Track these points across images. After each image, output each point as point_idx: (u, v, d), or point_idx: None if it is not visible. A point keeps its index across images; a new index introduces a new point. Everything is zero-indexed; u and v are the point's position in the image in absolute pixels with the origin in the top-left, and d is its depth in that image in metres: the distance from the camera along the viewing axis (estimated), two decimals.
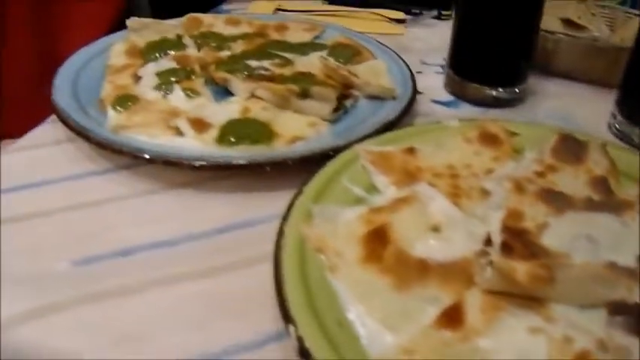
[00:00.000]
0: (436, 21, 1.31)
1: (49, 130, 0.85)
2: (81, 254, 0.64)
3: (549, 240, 0.65)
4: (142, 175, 0.76)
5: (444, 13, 1.31)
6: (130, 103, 0.86)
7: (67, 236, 0.67)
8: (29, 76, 1.24)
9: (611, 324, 0.59)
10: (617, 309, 0.60)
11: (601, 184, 0.75)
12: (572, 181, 0.75)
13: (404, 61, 0.96)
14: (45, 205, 0.71)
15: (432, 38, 1.20)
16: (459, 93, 0.99)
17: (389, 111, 0.85)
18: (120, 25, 1.07)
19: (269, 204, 0.67)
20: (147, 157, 0.75)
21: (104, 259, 0.65)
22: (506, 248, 0.60)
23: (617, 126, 0.93)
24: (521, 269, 0.57)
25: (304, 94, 0.84)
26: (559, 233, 0.66)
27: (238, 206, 0.73)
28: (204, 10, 1.21)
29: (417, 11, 1.31)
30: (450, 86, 1.01)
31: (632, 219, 0.69)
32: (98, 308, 0.60)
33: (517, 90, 0.98)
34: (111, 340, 0.57)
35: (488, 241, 0.61)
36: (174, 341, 0.58)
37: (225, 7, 1.36)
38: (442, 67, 1.05)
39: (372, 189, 0.71)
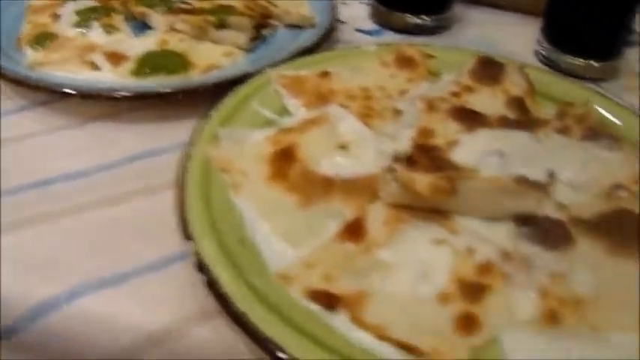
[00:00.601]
0: None
1: None
2: None
3: (459, 156, 0.65)
4: (59, 110, 0.75)
5: None
6: (48, 41, 0.84)
7: None
8: None
9: (517, 235, 0.59)
10: (525, 221, 0.61)
11: (517, 103, 0.75)
12: (488, 101, 0.75)
13: None
14: None
15: None
16: (383, 22, 0.99)
17: (306, 38, 0.84)
18: None
19: (182, 132, 0.66)
20: (62, 91, 0.74)
21: (20, 192, 0.65)
22: (411, 162, 0.60)
23: (543, 53, 0.93)
24: (423, 181, 0.57)
25: (221, 25, 0.84)
26: (469, 149, 0.66)
27: (151, 135, 0.72)
28: None
29: None
30: (375, 16, 1.00)
31: (545, 136, 0.70)
32: (17, 236, 0.60)
33: (441, 18, 0.98)
34: (28, 265, 0.58)
35: (396, 159, 0.60)
36: (87, 263, 0.58)
37: None
38: None
39: (284, 112, 0.71)
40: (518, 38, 0.96)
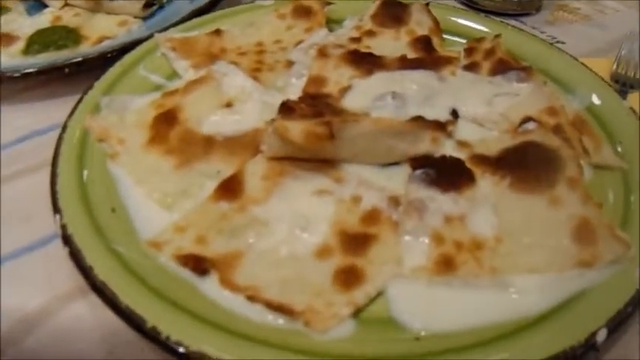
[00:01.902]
0: None
1: None
2: None
3: (351, 101, 0.62)
4: None
5: None
6: None
7: None
8: None
9: (412, 179, 0.56)
10: (421, 163, 0.57)
11: (422, 42, 0.72)
12: (390, 44, 0.72)
13: None
14: None
15: None
16: None
17: (203, 0, 0.81)
18: None
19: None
20: None
21: None
22: (290, 110, 0.56)
23: None
24: (297, 128, 0.53)
25: None
26: (362, 93, 0.63)
27: (43, 114, 0.70)
28: None
29: None
30: None
31: (450, 73, 0.66)
32: None
33: None
34: None
35: (279, 110, 0.57)
36: None
37: None
38: None
39: (173, 75, 0.68)
40: None
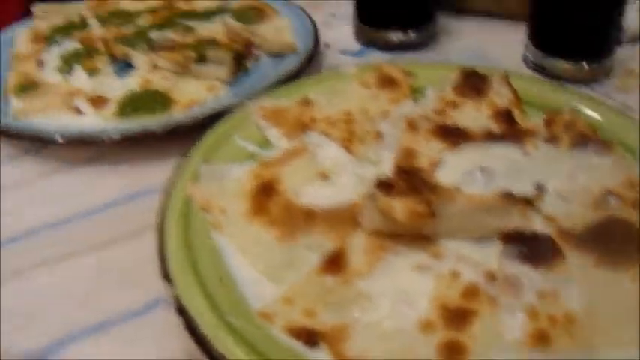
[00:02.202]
0: None
1: None
2: None
3: (443, 176, 0.64)
4: (45, 157, 0.77)
5: None
6: (32, 89, 0.85)
7: None
8: None
9: (504, 255, 0.58)
10: (511, 238, 0.59)
11: (504, 115, 0.74)
12: (473, 116, 0.74)
13: (307, 15, 0.95)
14: None
15: None
16: (368, 41, 0.98)
17: (288, 66, 0.84)
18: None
19: (166, 172, 0.65)
20: (46, 138, 0.75)
21: (5, 245, 0.65)
22: (389, 187, 0.59)
23: (531, 58, 0.92)
24: (401, 207, 0.56)
25: (201, 59, 0.84)
26: (453, 168, 0.66)
27: (135, 177, 0.72)
28: None
29: None
30: (360, 36, 1.00)
31: (533, 147, 0.68)
32: (2, 288, 0.61)
33: (426, 31, 0.97)
34: (13, 317, 0.58)
35: (376, 185, 0.59)
36: (71, 313, 0.58)
37: None
38: None
39: (265, 144, 0.70)
40: (506, 45, 0.94)
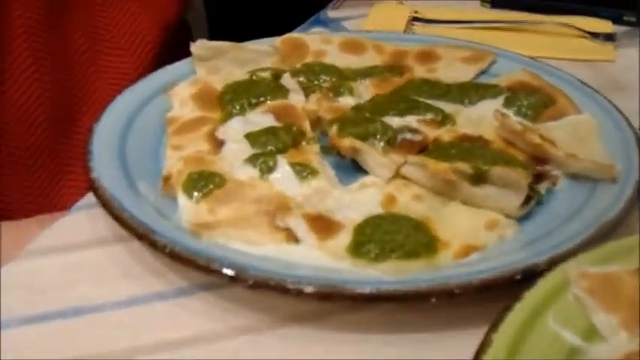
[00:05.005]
0: None
1: (82, 221, 0.60)
2: None
3: None
4: (233, 301, 0.52)
5: None
6: (211, 186, 0.58)
7: None
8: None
9: None
10: None
11: None
12: None
13: (623, 115, 0.66)
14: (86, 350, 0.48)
15: None
16: None
17: (606, 202, 0.56)
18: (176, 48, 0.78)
19: (433, 352, 0.47)
20: (246, 279, 0.49)
21: None
22: None
23: None
24: None
25: (479, 178, 0.55)
26: None
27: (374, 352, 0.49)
28: (295, 17, 0.89)
29: (632, 19, 0.91)
30: None
31: None
32: None
33: None
34: None
35: None
36: None
37: (331, 14, 0.97)
38: None
39: (592, 334, 0.46)
40: None
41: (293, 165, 0.60)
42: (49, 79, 0.79)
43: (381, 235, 0.53)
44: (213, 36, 0.81)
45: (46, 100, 0.79)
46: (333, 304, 0.50)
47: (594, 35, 0.89)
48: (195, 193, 0.57)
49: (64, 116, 0.80)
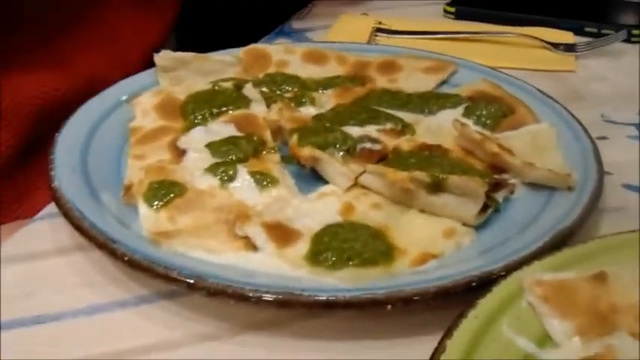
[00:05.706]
0: (625, 46, 0.91)
1: (45, 230, 0.61)
2: None
3: None
4: (193, 309, 0.52)
5: (635, 32, 0.91)
6: (172, 195, 0.58)
7: None
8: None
9: None
10: None
11: None
12: None
13: (581, 125, 0.67)
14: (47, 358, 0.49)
15: (620, 77, 0.85)
16: None
17: (562, 211, 0.56)
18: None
19: (389, 358, 0.48)
20: (205, 287, 0.49)
21: None
22: None
23: None
24: None
25: (437, 186, 0.56)
26: None
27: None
28: (261, 28, 0.91)
29: (594, 30, 0.92)
30: None
31: None
32: None
33: None
34: None
35: None
36: None
37: (295, 25, 0.99)
38: (639, 126, 0.73)
39: (546, 340, 0.47)
40: None
41: (253, 174, 0.60)
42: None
43: (338, 244, 0.53)
44: (180, 46, 0.81)
45: None
46: (291, 311, 0.51)
47: (555, 46, 0.91)
48: (156, 202, 0.57)
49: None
